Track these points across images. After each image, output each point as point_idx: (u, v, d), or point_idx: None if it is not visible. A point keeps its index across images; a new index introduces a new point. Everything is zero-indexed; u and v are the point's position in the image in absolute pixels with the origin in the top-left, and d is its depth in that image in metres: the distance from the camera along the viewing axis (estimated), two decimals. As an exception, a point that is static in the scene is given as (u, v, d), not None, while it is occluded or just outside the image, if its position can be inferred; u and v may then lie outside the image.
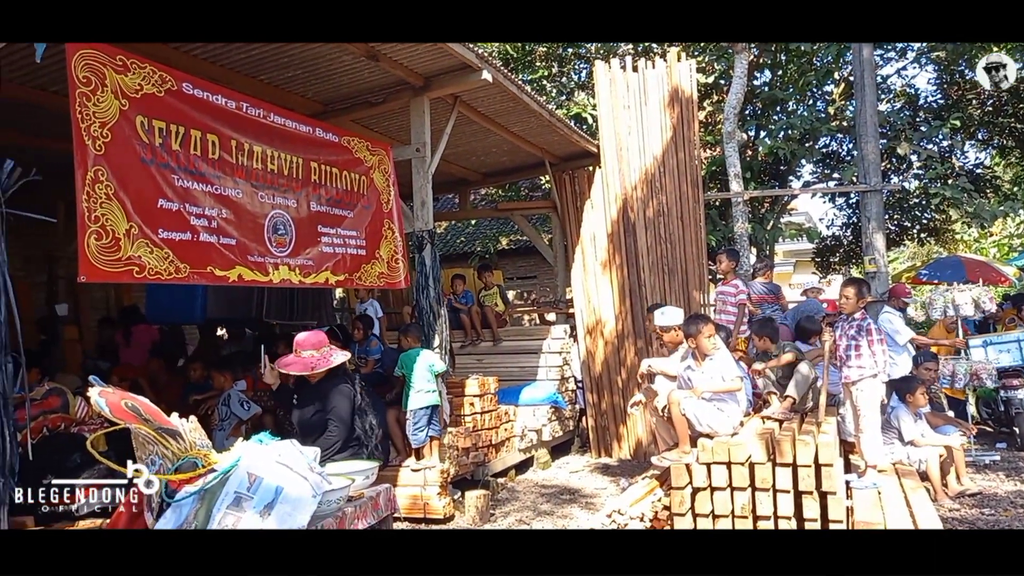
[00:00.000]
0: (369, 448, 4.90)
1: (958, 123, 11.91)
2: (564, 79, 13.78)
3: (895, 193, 12.37)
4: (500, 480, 6.82)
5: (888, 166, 13.11)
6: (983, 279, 8.38)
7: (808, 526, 4.31)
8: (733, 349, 6.14)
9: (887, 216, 12.47)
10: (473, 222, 16.35)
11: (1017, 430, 7.43)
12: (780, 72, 12.97)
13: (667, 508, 4.64)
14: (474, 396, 6.64)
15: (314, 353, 4.79)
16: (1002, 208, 11.33)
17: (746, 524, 4.38)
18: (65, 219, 5.51)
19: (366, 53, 5.43)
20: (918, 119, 12.74)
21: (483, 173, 10.41)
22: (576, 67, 14.01)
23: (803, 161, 13.53)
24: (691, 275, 8.16)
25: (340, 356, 4.89)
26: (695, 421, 4.82)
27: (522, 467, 7.51)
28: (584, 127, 11.02)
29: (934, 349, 7.58)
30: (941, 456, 5.73)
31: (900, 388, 6.02)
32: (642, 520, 4.58)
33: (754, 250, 11.83)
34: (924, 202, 12.88)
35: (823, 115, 12.52)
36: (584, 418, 8.72)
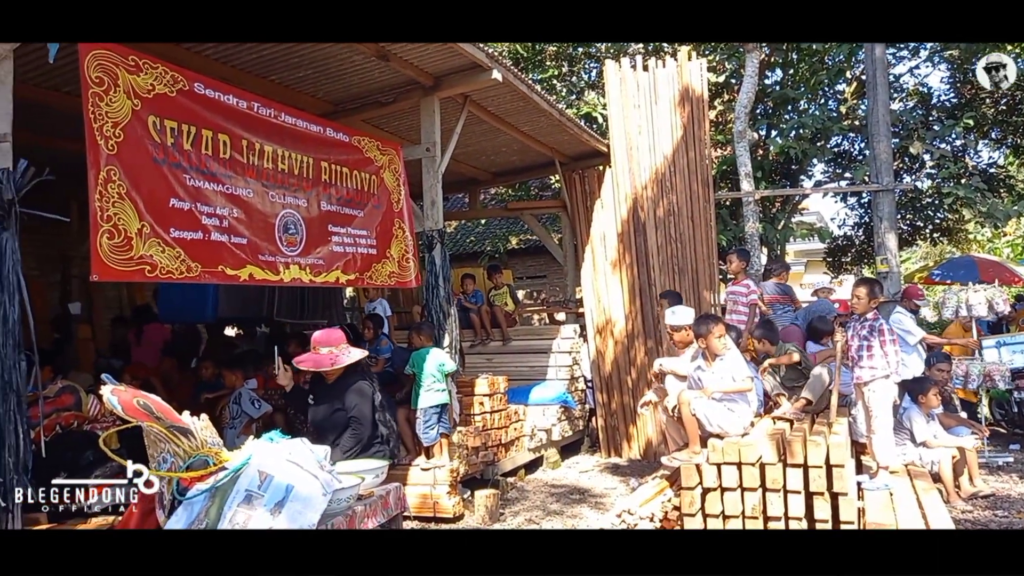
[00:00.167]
0: (391, 446, 4.91)
1: (971, 122, 11.81)
2: (574, 78, 13.75)
3: (907, 193, 12.28)
4: (510, 479, 6.83)
5: (900, 165, 13.01)
6: (997, 279, 8.30)
7: (819, 527, 4.29)
8: (744, 349, 6.12)
9: (899, 216, 12.38)
10: (483, 221, 16.35)
11: (1030, 431, 7.39)
12: (791, 71, 12.90)
13: (677, 508, 4.62)
14: (484, 395, 6.64)
15: (332, 350, 4.81)
16: (1016, 208, 11.18)
17: (757, 525, 4.35)
18: (78, 219, 5.54)
19: (376, 53, 5.44)
20: (931, 118, 12.63)
21: (493, 172, 10.40)
22: (586, 66, 13.98)
23: (815, 160, 13.44)
24: (701, 275, 8.14)
25: (357, 353, 4.91)
26: (705, 421, 4.80)
27: (532, 467, 7.51)
28: (594, 126, 10.99)
29: (947, 349, 7.52)
30: (954, 457, 5.69)
31: (912, 389, 5.98)
32: (652, 520, 4.56)
33: (765, 250, 11.77)
34: (937, 202, 12.78)
35: (835, 114, 12.44)
36: (594, 418, 8.71)
